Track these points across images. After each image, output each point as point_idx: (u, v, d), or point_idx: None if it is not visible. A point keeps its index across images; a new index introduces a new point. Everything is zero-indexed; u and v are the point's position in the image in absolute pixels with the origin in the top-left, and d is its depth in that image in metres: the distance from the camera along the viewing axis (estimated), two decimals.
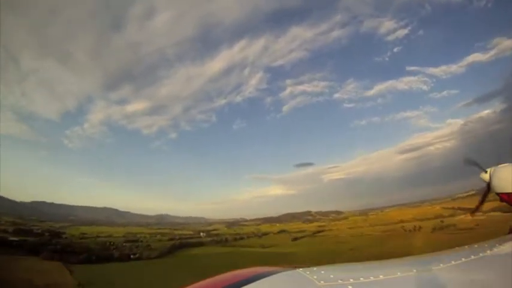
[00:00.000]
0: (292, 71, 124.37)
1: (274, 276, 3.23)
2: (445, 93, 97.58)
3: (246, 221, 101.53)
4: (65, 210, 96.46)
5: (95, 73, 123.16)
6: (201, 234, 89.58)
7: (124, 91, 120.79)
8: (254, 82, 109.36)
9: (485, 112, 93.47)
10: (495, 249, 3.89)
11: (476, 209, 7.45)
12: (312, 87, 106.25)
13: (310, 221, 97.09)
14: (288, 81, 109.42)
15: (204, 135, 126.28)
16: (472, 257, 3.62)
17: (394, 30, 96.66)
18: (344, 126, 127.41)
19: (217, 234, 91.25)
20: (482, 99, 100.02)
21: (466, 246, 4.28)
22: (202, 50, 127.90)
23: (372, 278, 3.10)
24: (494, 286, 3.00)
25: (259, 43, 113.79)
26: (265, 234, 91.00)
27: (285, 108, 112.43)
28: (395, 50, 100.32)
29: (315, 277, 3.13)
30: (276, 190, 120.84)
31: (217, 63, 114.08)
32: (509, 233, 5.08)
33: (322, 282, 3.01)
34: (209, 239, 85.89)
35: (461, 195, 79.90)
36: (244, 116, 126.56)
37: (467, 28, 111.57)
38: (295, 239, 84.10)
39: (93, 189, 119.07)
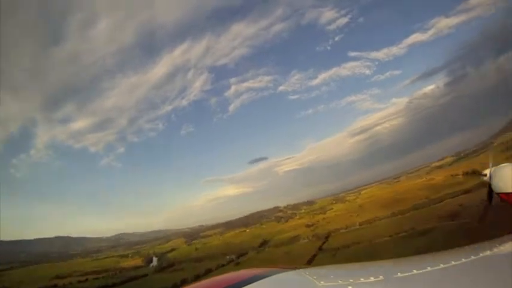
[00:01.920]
0: (236, 69, 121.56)
1: (275, 276, 3.18)
2: (387, 74, 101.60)
3: (208, 228, 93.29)
4: (15, 247, 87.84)
5: (35, 92, 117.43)
6: (153, 261, 76.09)
7: (67, 108, 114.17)
8: (198, 84, 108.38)
9: (429, 88, 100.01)
10: (495, 249, 3.63)
11: (485, 215, 8.61)
12: (256, 83, 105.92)
13: (285, 219, 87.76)
14: (232, 80, 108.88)
15: (152, 145, 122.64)
16: (472, 257, 3.36)
17: (335, 19, 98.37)
18: (292, 118, 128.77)
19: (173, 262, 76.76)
20: (425, 77, 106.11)
21: (466, 247, 3.97)
22: (144, 57, 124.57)
23: (372, 278, 2.96)
24: (494, 286, 2.78)
25: (202, 44, 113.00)
26: (243, 254, 72.38)
27: (231, 108, 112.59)
28: (336, 38, 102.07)
29: (315, 277, 3.03)
30: (232, 190, 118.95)
31: (160, 69, 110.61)
32: (509, 233, 4.19)
33: (322, 282, 2.92)
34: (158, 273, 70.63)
35: (437, 163, 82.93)
36: (191, 120, 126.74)
37: (406, 11, 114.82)
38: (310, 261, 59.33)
39: (45, 219, 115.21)
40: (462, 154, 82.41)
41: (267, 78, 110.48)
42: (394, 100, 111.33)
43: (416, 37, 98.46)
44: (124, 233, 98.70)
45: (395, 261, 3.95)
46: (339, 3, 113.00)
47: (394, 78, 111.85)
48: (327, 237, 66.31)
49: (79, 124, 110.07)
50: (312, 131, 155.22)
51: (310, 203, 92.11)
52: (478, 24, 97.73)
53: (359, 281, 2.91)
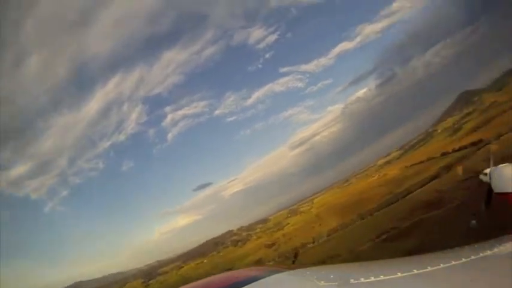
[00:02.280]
0: (171, 97, 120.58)
1: (275, 276, 3.21)
2: (320, 85, 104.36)
3: (165, 263, 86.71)
4: None
5: None
6: None
7: (4, 154, 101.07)
8: (134, 116, 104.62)
9: (362, 92, 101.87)
10: (495, 249, 3.79)
11: (485, 214, 7.40)
12: (192, 109, 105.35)
13: (242, 242, 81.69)
14: (168, 109, 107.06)
15: (95, 185, 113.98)
16: (472, 257, 3.53)
17: (264, 37, 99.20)
18: (231, 140, 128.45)
19: None
20: (356, 82, 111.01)
21: (466, 247, 4.21)
22: (77, 93, 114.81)
23: (372, 278, 3.01)
24: (494, 286, 2.92)
25: (134, 75, 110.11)
26: None
27: (169, 137, 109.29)
28: (267, 56, 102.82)
29: (315, 277, 3.08)
30: (183, 220, 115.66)
31: (94, 104, 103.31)
32: (509, 233, 4.47)
33: (322, 282, 2.96)
34: None
35: (383, 159, 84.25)
36: (131, 154, 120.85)
37: (331, 22, 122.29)
38: None
39: None
40: (407, 146, 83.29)
41: (202, 103, 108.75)
42: (329, 108, 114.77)
43: (343, 46, 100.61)
44: (81, 281, 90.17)
45: (395, 261, 4.21)
46: (267, 21, 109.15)
47: (326, 88, 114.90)
48: (295, 256, 58.81)
49: (18, 170, 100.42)
50: (253, 149, 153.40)
51: (263, 221, 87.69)
52: (401, 26, 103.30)
53: (359, 281, 2.90)
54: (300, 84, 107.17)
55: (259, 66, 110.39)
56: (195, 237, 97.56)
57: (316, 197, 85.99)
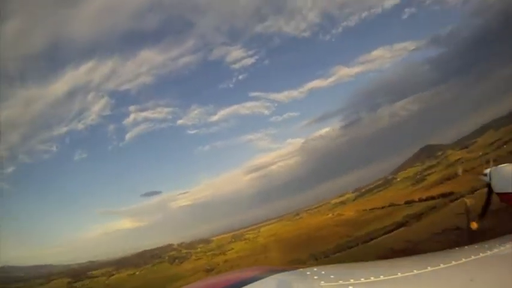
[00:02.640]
0: (138, 97, 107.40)
1: (276, 276, 3.26)
2: (285, 116, 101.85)
3: (98, 266, 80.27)
4: None
5: None
6: None
7: None
8: (97, 108, 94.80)
9: (325, 130, 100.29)
10: (495, 249, 3.92)
11: (484, 213, 7.51)
12: (156, 113, 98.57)
13: (180, 259, 77.10)
14: (132, 108, 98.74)
15: (45, 168, 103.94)
16: (472, 257, 3.64)
17: (242, 58, 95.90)
18: (189, 152, 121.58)
19: None
20: (322, 120, 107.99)
21: (466, 247, 4.32)
22: (47, 69, 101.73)
23: (372, 278, 3.06)
24: (494, 286, 3.02)
25: (107, 65, 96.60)
26: None
27: (127, 136, 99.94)
28: (240, 77, 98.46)
29: (316, 277, 3.11)
30: (125, 224, 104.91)
31: (61, 85, 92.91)
32: (509, 232, 4.80)
33: (323, 282, 3.00)
34: None
35: (337, 199, 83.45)
36: (86, 145, 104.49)
37: (310, 58, 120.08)
38: None
39: None
40: (363, 190, 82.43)
41: (167, 109, 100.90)
42: (289, 140, 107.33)
43: (317, 83, 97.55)
44: (8, 266, 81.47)
45: (395, 261, 4.47)
46: (248, 43, 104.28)
47: (291, 120, 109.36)
48: None
49: None
50: (209, 166, 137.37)
51: (206, 241, 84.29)
52: (375, 74, 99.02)
53: (359, 281, 2.94)
54: (266, 112, 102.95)
55: (231, 85, 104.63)
56: (134, 244, 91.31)
57: (264, 226, 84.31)
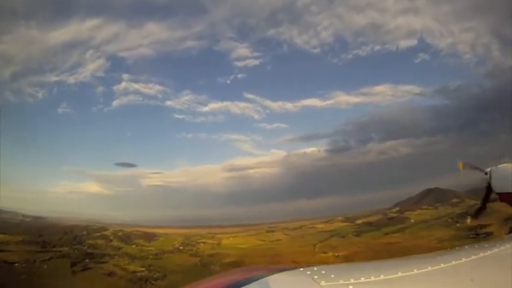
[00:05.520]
0: (133, 67, 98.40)
1: (276, 275, 3.07)
2: (275, 125, 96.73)
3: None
4: None
5: None
6: None
7: None
8: (92, 67, 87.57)
9: (310, 149, 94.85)
10: (495, 249, 3.82)
11: (480, 212, 7.14)
12: (147, 88, 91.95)
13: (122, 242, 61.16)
14: (125, 76, 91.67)
15: (27, 111, 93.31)
16: (473, 256, 3.52)
17: (246, 58, 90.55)
18: (170, 136, 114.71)
19: None
20: (309, 138, 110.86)
21: (466, 246, 4.24)
22: (53, 15, 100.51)
23: (372, 278, 2.97)
24: (494, 286, 2.97)
25: (112, 28, 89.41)
26: None
27: (114, 103, 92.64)
28: (239, 75, 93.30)
29: (316, 277, 2.99)
30: (92, 187, 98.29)
31: (63, 35, 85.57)
32: (509, 232, 5.27)
33: (323, 282, 2.90)
34: None
35: (323, 225, 69.10)
36: (72, 101, 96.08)
37: (313, 77, 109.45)
38: None
39: None
40: (360, 221, 67.97)
41: (158, 87, 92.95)
42: (273, 150, 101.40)
43: (313, 101, 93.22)
44: None
45: (396, 261, 3.91)
46: (256, 45, 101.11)
47: (279, 131, 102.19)
48: None
49: None
50: (188, 154, 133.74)
51: (149, 236, 65.76)
52: (373, 108, 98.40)
53: (360, 281, 2.86)
54: (256, 116, 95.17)
55: (228, 81, 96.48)
56: (92, 210, 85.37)
57: (226, 235, 68.26)
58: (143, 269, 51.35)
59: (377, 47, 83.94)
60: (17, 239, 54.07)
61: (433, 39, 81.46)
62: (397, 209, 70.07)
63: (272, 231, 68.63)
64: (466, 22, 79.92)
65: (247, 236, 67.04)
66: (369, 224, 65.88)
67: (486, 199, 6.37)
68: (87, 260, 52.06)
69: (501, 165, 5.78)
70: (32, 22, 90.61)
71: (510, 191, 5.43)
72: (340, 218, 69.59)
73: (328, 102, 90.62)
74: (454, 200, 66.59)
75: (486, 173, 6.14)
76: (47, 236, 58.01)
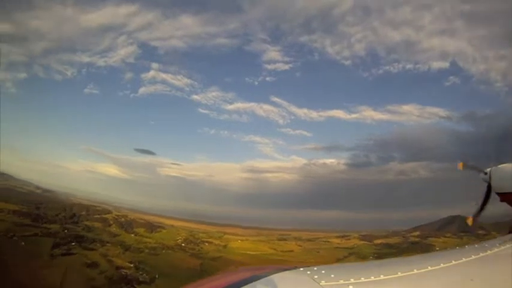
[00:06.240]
0: (164, 57, 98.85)
1: (276, 275, 3.02)
2: (298, 132, 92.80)
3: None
4: None
5: None
6: None
7: None
8: (123, 53, 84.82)
9: (330, 160, 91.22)
10: (495, 249, 3.75)
11: (479, 213, 6.61)
12: (175, 80, 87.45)
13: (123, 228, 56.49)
14: (154, 65, 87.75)
15: (54, 87, 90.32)
16: (473, 256, 3.43)
17: (276, 61, 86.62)
18: (192, 129, 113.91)
19: None
20: (331, 150, 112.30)
21: (466, 246, 4.14)
22: None
23: (372, 277, 2.90)
24: (494, 286, 2.90)
25: (147, 16, 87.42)
26: None
27: (141, 90, 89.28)
28: (268, 78, 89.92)
29: (316, 277, 2.92)
30: (110, 170, 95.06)
31: (98, 17, 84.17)
32: (509, 232, 4.80)
33: (323, 282, 2.84)
34: None
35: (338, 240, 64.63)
36: (99, 83, 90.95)
37: (342, 89, 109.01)
38: None
39: None
40: (379, 242, 63.40)
41: (186, 80, 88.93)
42: (293, 157, 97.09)
43: (339, 113, 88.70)
44: None
45: (396, 261, 4.12)
46: (288, 50, 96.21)
47: (302, 138, 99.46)
48: None
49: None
50: (208, 150, 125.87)
51: (153, 226, 60.52)
52: (398, 127, 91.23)
53: (360, 281, 2.80)
54: (280, 121, 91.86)
55: (256, 83, 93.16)
56: (106, 191, 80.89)
57: (235, 237, 63.95)
58: (131, 265, 45.87)
59: (408, 66, 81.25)
60: (12, 208, 49.62)
61: (465, 63, 79.24)
62: (417, 233, 65.34)
63: (284, 240, 64.74)
64: (500, 49, 76.56)
65: (257, 242, 62.96)
66: (389, 246, 60.67)
67: (486, 200, 6.05)
68: (73, 244, 46.58)
69: (501, 165, 5.66)
70: (68, 1, 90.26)
71: (510, 191, 5.33)
72: (356, 235, 65.39)
73: (354, 115, 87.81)
74: (480, 232, 55.97)
75: (486, 173, 6.03)
76: (43, 210, 53.47)
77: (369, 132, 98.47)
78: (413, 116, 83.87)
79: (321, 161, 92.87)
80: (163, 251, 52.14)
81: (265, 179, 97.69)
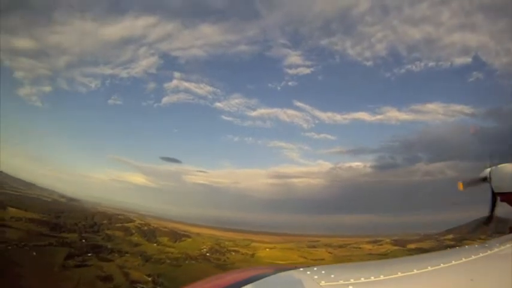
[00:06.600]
0: (185, 66, 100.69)
1: (276, 275, 3.00)
2: (322, 136, 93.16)
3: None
4: None
5: None
6: None
7: (14, 20, 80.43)
8: (145, 63, 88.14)
9: (356, 164, 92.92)
10: (495, 249, 3.69)
11: (490, 218, 6.09)
12: (197, 88, 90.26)
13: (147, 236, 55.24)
14: (177, 74, 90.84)
15: (78, 100, 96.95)
16: (473, 256, 3.39)
17: (298, 66, 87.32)
18: (216, 136, 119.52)
19: None
20: (357, 152, 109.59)
21: (467, 246, 4.10)
22: (109, 9, 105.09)
23: (372, 278, 2.86)
24: (494, 286, 2.88)
25: (166, 27, 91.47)
26: None
27: (164, 100, 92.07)
28: (290, 83, 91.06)
29: (316, 277, 2.87)
30: (137, 179, 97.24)
31: (118, 30, 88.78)
32: (509, 232, 4.57)
33: (323, 282, 2.79)
34: None
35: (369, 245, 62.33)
36: (123, 94, 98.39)
37: (365, 90, 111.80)
38: None
39: None
40: (413, 247, 60.24)
41: (209, 88, 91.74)
42: (319, 161, 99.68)
43: (363, 115, 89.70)
44: (5, 173, 67.35)
45: (396, 261, 3.91)
46: (308, 53, 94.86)
47: (327, 142, 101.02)
48: None
49: (19, 42, 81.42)
50: (233, 157, 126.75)
51: (177, 235, 58.98)
52: (423, 127, 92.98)
53: (360, 281, 2.77)
54: (305, 125, 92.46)
55: (278, 88, 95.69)
56: (132, 200, 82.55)
57: (264, 245, 62.10)
58: (149, 278, 43.32)
59: (431, 63, 79.95)
60: (31, 216, 48.11)
61: (488, 57, 78.18)
62: (451, 236, 61.56)
63: (314, 247, 62.20)
64: None
65: (286, 250, 60.84)
66: (424, 250, 54.89)
67: (494, 204, 5.65)
68: (89, 254, 44.23)
69: (501, 165, 5.39)
70: (87, 15, 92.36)
71: (510, 191, 5.09)
72: (388, 240, 63.36)
73: (378, 117, 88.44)
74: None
75: (485, 179, 5.74)
76: (63, 219, 51.82)
77: (394, 133, 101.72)
78: (438, 114, 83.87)
79: (347, 164, 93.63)
80: (186, 262, 49.91)
81: (291, 184, 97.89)
